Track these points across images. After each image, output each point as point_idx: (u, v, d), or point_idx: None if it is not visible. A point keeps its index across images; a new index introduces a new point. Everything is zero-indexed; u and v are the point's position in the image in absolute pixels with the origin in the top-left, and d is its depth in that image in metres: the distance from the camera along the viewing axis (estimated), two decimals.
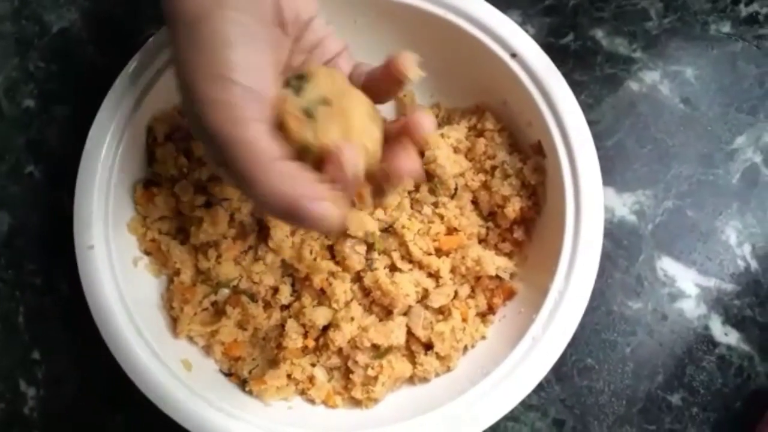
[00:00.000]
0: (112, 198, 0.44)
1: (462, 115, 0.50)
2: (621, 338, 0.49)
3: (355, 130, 0.32)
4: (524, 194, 0.47)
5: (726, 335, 0.49)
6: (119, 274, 0.43)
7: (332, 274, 0.46)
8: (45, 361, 0.50)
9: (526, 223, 0.48)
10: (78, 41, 0.55)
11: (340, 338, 0.45)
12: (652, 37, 0.54)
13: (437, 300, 0.46)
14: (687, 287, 0.50)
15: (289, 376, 0.45)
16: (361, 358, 0.45)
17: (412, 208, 0.48)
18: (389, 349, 0.45)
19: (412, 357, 0.46)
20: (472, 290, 0.47)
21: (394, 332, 0.45)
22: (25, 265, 0.51)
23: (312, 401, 0.45)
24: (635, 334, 0.49)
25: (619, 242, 0.51)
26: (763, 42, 0.54)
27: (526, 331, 0.42)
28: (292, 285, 0.47)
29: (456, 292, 0.47)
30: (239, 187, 0.33)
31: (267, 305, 0.47)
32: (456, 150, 0.48)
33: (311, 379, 0.46)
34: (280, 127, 0.32)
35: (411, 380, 0.46)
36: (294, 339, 0.45)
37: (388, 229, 0.47)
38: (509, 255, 0.48)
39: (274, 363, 0.46)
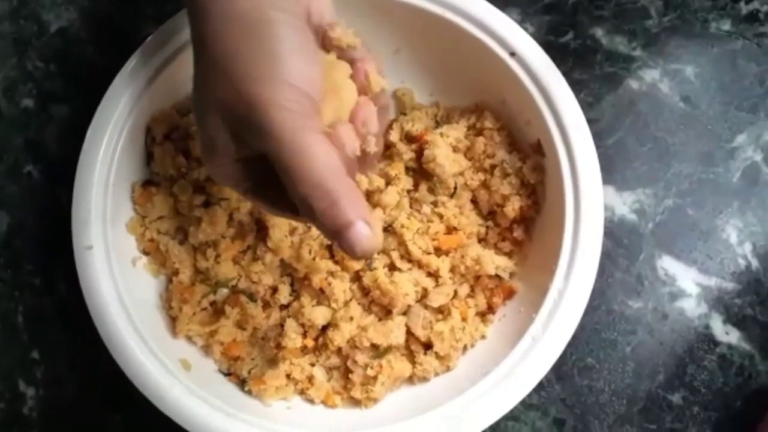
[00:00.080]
0: (111, 198, 0.44)
1: (461, 114, 0.50)
2: (621, 337, 0.49)
3: (345, 104, 0.34)
4: (524, 193, 0.47)
5: (727, 334, 0.49)
6: (118, 274, 0.43)
7: (331, 273, 0.46)
8: (44, 361, 0.50)
9: (526, 222, 0.47)
10: (77, 41, 0.55)
11: (339, 338, 0.44)
12: (652, 36, 0.54)
13: (437, 299, 0.46)
14: (687, 286, 0.50)
15: (288, 375, 0.45)
16: (361, 357, 0.45)
17: (411, 207, 0.48)
18: (388, 349, 0.45)
19: (411, 356, 0.46)
20: (472, 290, 0.47)
21: (394, 332, 0.45)
22: (23, 265, 0.51)
23: (311, 401, 0.45)
24: (636, 334, 0.49)
25: (620, 241, 0.50)
26: (763, 40, 0.54)
27: (526, 330, 0.42)
28: (291, 284, 0.47)
29: (455, 292, 0.46)
30: (274, 206, 0.36)
31: (266, 305, 0.47)
32: (455, 149, 0.48)
33: (310, 378, 0.46)
34: None
35: (410, 380, 0.46)
36: (293, 339, 0.45)
37: (388, 229, 0.47)
38: (509, 254, 0.48)
39: (273, 363, 0.46)
